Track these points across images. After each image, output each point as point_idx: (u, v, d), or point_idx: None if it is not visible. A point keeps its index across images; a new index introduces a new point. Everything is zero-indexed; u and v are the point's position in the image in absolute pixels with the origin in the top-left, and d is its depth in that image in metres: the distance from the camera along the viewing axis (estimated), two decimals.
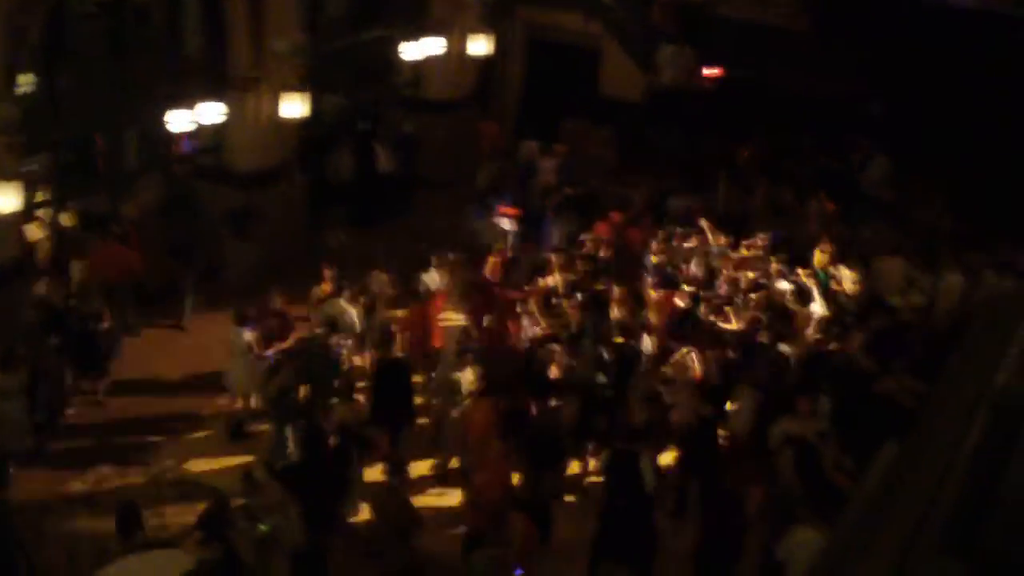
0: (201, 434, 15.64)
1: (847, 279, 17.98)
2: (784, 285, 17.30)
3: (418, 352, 16.11)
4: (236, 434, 15.40)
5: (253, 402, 15.66)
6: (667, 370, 15.31)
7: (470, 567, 11.70)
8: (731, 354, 15.64)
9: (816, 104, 23.98)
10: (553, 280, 17.15)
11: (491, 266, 17.57)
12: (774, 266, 17.96)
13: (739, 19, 25.93)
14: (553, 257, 17.85)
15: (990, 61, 23.26)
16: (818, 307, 16.86)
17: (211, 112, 18.68)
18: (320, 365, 14.99)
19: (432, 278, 17.22)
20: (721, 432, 14.46)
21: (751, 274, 17.70)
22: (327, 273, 16.70)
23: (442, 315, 17.97)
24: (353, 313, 16.06)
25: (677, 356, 15.47)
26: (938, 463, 4.31)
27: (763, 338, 15.73)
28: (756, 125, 24.10)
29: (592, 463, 14.80)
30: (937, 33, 24.22)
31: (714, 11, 26.48)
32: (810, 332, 16.28)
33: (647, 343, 15.71)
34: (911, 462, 4.93)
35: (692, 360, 15.40)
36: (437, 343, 16.52)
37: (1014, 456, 3.63)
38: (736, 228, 19.66)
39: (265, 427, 15.06)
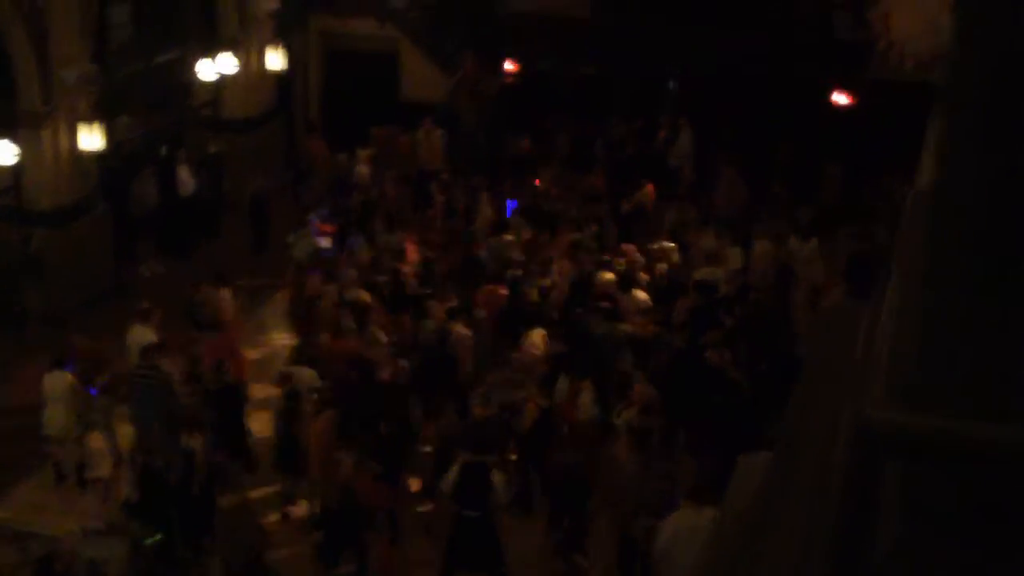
0: (29, 483, 15.15)
1: (671, 255, 18.44)
2: (607, 274, 17.61)
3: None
4: (62, 479, 15.05)
5: (80, 444, 15.28)
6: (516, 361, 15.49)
7: None
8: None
9: (618, 87, 24.44)
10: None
11: (312, 282, 17.49)
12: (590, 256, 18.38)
13: (531, 12, 26.23)
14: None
15: (772, 30, 24.18)
16: (642, 293, 17.19)
17: (4, 151, 18.03)
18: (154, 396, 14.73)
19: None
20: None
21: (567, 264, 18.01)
22: (146, 306, 16.35)
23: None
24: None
25: (524, 344, 15.67)
26: (807, 503, 4.36)
27: (594, 322, 16.11)
28: (563, 115, 24.43)
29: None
30: (714, 10, 24.99)
31: (504, 7, 26.75)
32: (637, 317, 16.59)
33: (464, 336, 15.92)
34: (781, 497, 4.98)
35: (537, 342, 15.65)
36: (243, 367, 16.25)
37: (883, 497, 3.66)
38: (556, 221, 19.96)
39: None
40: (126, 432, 15.11)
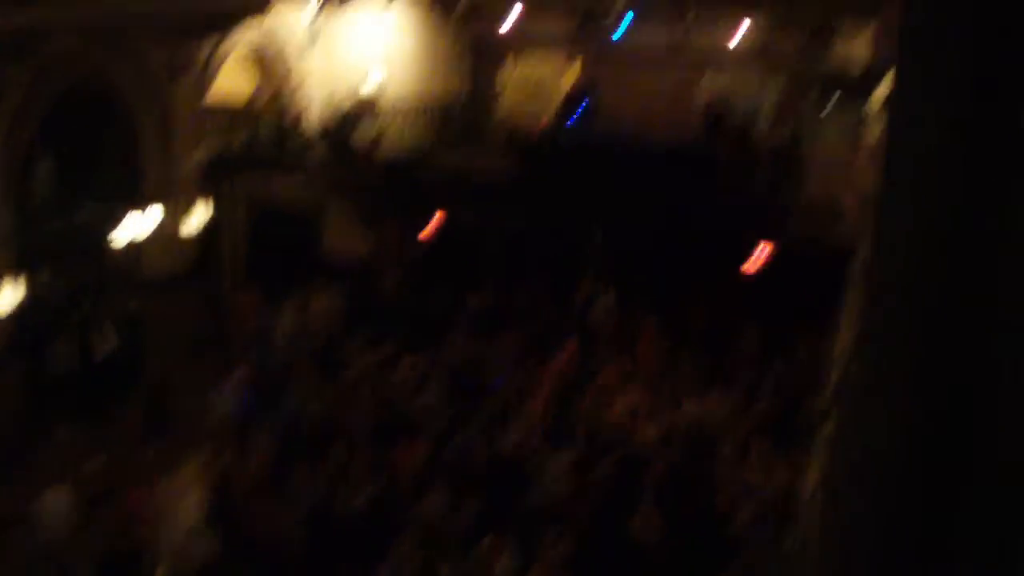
0: None
1: (595, 417, 18.37)
2: (521, 433, 17.49)
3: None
4: None
5: None
6: None
7: None
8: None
9: (540, 245, 24.66)
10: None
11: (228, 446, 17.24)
12: None
13: (453, 169, 26.62)
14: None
15: (683, 192, 24.69)
16: (559, 455, 17.05)
17: None
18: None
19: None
20: None
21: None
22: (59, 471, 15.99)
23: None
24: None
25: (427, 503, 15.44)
26: None
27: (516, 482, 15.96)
28: (485, 271, 24.53)
29: None
30: (636, 170, 25.52)
31: (428, 165, 27.11)
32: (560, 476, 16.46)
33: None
34: None
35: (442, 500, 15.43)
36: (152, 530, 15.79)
37: None
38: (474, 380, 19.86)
39: None
40: None
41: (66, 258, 22.09)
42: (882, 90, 22.63)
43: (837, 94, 26.38)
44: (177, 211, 23.63)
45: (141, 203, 22.72)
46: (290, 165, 25.96)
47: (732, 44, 28.55)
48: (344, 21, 28.44)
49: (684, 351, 21.95)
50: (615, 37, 28.60)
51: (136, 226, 22.30)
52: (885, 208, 3.74)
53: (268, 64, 27.16)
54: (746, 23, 28.24)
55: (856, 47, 26.96)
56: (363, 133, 27.86)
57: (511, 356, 21.21)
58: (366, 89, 28.84)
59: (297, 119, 26.92)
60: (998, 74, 3.37)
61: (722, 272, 23.52)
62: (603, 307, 23.45)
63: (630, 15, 28.15)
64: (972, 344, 3.40)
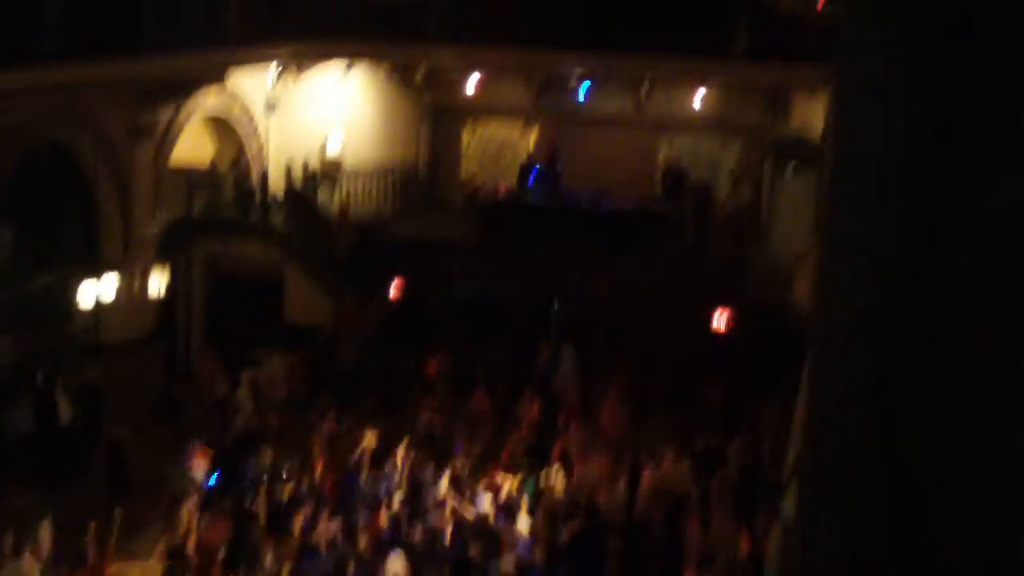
0: None
1: (559, 483, 18.27)
2: (485, 502, 17.37)
3: None
4: None
5: None
6: None
7: None
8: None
9: (502, 310, 24.66)
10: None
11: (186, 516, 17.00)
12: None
13: (415, 237, 26.69)
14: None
15: (645, 253, 24.83)
16: (524, 523, 16.91)
17: None
18: None
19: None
20: None
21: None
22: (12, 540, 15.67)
23: None
24: None
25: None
26: None
27: (473, 555, 15.81)
28: (447, 337, 24.48)
29: None
30: (598, 232, 25.67)
31: (389, 231, 27.16)
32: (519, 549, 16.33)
33: None
34: None
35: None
36: None
37: None
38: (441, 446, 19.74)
39: None
40: None
41: (23, 325, 21.86)
42: None
43: (794, 160, 26.68)
44: (137, 276, 23.45)
45: (101, 269, 22.53)
46: (250, 230, 25.91)
47: (690, 110, 28.84)
48: (304, 87, 28.57)
49: (647, 416, 21.95)
50: (575, 102, 28.83)
51: (96, 292, 22.09)
52: (826, 285, 3.77)
53: (229, 129, 27.19)
54: (703, 90, 28.54)
55: (813, 113, 27.31)
56: (324, 198, 27.93)
57: (473, 422, 21.12)
58: (327, 155, 28.94)
59: (257, 184, 26.92)
60: (931, 151, 3.44)
61: (685, 336, 23.59)
62: (565, 372, 23.41)
63: (588, 80, 28.39)
64: (917, 413, 3.42)
